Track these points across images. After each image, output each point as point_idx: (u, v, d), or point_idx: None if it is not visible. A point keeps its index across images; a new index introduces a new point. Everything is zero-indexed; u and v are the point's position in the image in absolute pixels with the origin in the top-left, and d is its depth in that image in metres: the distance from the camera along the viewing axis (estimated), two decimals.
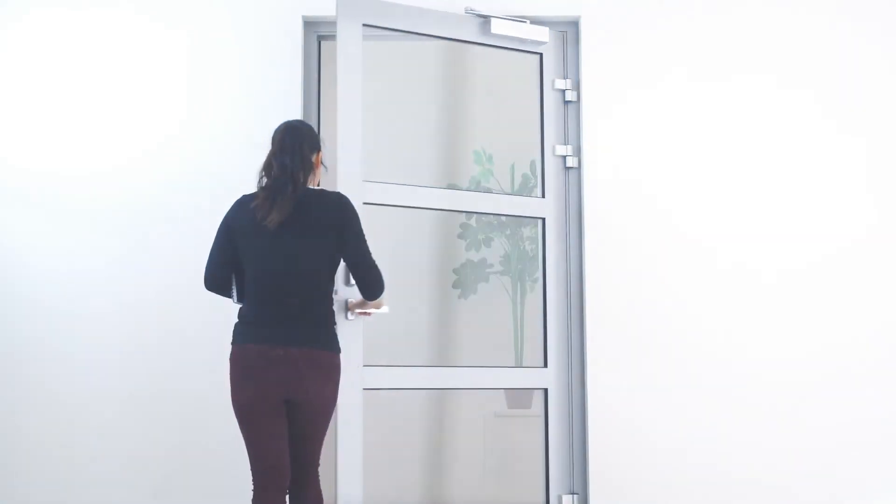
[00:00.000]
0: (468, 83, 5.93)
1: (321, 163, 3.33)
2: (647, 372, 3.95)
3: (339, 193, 3.26)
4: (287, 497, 3.18)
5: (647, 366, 3.95)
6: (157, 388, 3.92)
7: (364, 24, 3.69)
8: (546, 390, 3.94)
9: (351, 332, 3.56)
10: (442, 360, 5.68)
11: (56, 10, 4.07)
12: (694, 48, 4.09)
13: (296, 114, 4.02)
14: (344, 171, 3.59)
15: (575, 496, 3.93)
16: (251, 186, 3.99)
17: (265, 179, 3.22)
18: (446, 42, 4.63)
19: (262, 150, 3.28)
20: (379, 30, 3.78)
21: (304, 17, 4.09)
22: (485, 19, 3.86)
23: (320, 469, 3.28)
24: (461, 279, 5.46)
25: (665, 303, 3.98)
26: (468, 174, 5.72)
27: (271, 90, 4.04)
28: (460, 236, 5.47)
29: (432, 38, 3.89)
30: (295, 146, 3.19)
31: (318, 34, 4.16)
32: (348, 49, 3.66)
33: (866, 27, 4.11)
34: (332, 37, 4.23)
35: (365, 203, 3.61)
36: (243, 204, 3.21)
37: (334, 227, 3.14)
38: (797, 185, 4.04)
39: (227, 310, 3.94)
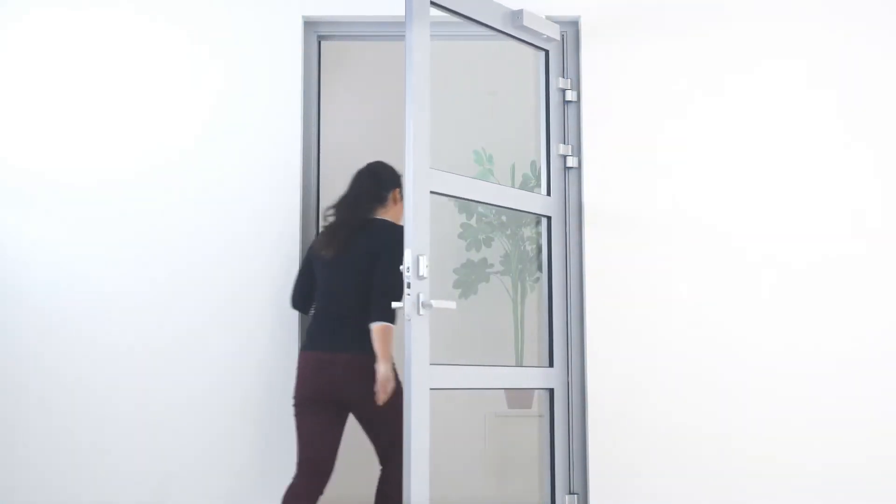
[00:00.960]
0: (468, 83, 5.93)
1: (399, 197, 3.90)
2: (648, 372, 3.95)
3: (392, 224, 3.80)
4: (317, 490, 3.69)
5: (648, 365, 3.95)
6: (161, 391, 3.93)
7: (432, 3, 3.57)
8: (552, 390, 3.93)
9: (418, 332, 3.38)
10: (442, 359, 5.67)
11: (56, 11, 4.08)
12: (694, 48, 4.09)
13: (296, 114, 4.03)
14: (414, 158, 3.44)
15: (575, 496, 3.93)
16: (249, 186, 4.00)
17: (332, 217, 3.90)
18: (446, 43, 4.64)
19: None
20: (442, 10, 3.67)
21: (304, 17, 4.09)
22: (517, 11, 3.87)
23: None
24: (461, 279, 5.46)
25: (666, 302, 3.98)
26: (468, 174, 5.72)
27: (271, 90, 4.04)
28: (460, 236, 5.47)
29: (471, 23, 3.83)
30: (355, 187, 3.87)
31: (318, 34, 4.16)
32: (417, 31, 3.49)
33: (868, 24, 4.11)
34: (333, 37, 4.24)
35: (432, 192, 3.51)
36: (317, 235, 3.89)
37: (374, 253, 3.70)
38: (800, 182, 4.04)
39: (228, 313, 3.95)
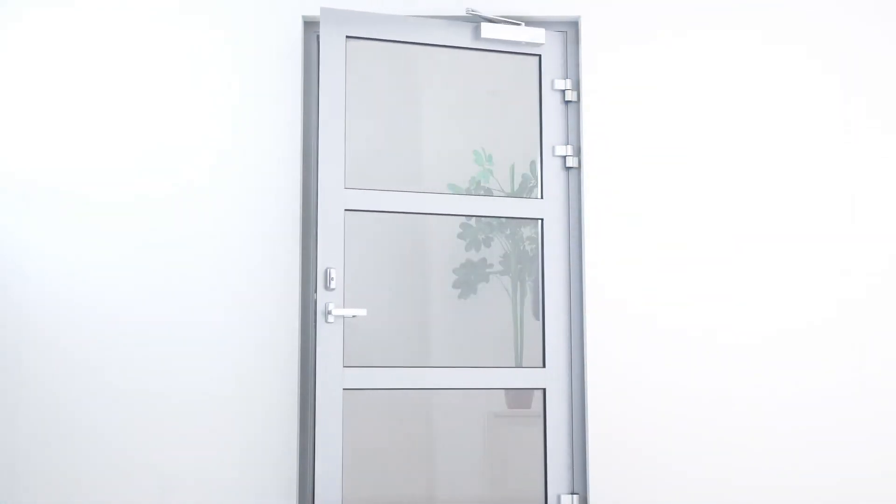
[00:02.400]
0: (468, 83, 5.92)
1: None
2: (648, 372, 3.94)
3: None
4: None
5: (648, 366, 3.95)
6: (162, 393, 3.92)
7: (348, 36, 3.76)
8: (544, 390, 3.94)
9: (331, 334, 3.77)
10: (441, 360, 5.67)
11: (53, 11, 4.07)
12: (695, 47, 4.09)
13: (296, 114, 4.03)
14: (325, 179, 3.80)
15: (575, 496, 3.93)
16: (249, 186, 4.00)
17: None
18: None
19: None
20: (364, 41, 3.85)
21: (304, 17, 4.09)
22: (475, 24, 3.88)
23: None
24: (461, 279, 5.46)
25: (665, 303, 3.98)
26: (468, 174, 5.71)
27: (271, 90, 4.04)
28: (460, 236, 5.46)
29: (421, 46, 3.95)
30: None
31: (318, 34, 4.16)
32: (331, 62, 3.86)
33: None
34: None
35: (347, 210, 3.82)
36: None
37: None
38: (804, 182, 4.04)
39: (226, 313, 3.94)
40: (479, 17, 3.97)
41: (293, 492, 3.88)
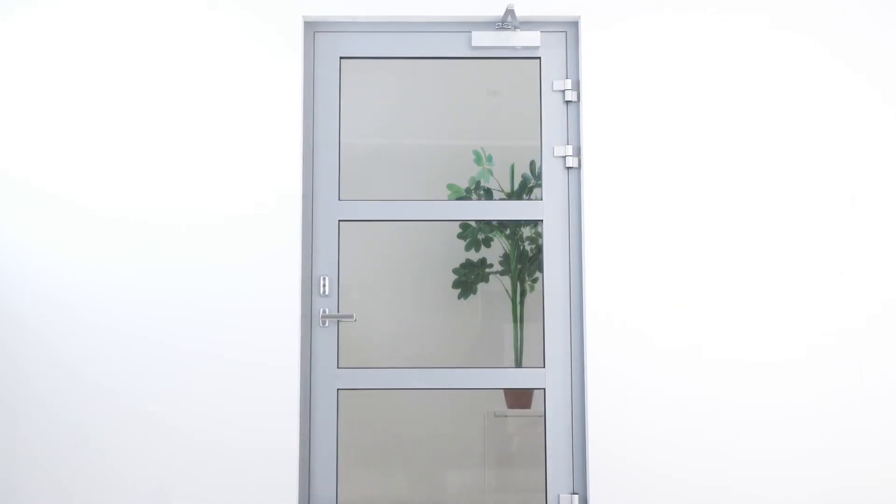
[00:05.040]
0: (467, 84, 5.92)
1: None
2: (648, 372, 3.94)
3: None
4: None
5: (648, 366, 3.95)
6: (161, 393, 3.92)
7: (342, 57, 4.00)
8: (544, 390, 3.95)
9: (325, 336, 3.95)
10: (441, 360, 5.67)
11: (48, 10, 4.07)
12: (695, 47, 4.08)
13: (296, 115, 4.03)
14: (320, 192, 3.98)
15: (575, 496, 3.93)
16: (249, 187, 4.00)
17: None
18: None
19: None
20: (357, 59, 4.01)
21: (304, 17, 4.09)
22: (468, 34, 3.91)
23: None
24: (460, 279, 5.46)
25: (665, 303, 3.98)
26: (468, 174, 5.71)
27: (271, 90, 4.04)
28: (460, 236, 5.46)
29: (418, 59, 4.04)
30: None
31: (318, 34, 4.16)
32: (325, 81, 4.04)
33: None
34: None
35: (341, 220, 3.98)
36: None
37: None
38: (808, 183, 4.03)
39: (226, 316, 3.94)
40: (512, 12, 3.96)
41: (293, 493, 3.88)
